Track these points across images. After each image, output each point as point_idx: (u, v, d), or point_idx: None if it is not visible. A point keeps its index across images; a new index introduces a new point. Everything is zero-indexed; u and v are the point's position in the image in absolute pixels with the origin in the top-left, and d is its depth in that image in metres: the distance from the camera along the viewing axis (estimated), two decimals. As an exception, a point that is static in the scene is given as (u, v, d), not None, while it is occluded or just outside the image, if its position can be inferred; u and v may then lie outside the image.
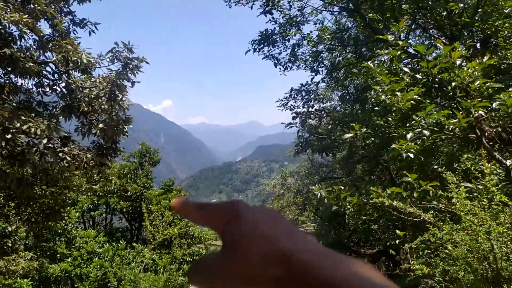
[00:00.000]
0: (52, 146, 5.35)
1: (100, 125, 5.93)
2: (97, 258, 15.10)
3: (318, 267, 0.33)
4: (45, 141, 5.00)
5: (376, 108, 6.76)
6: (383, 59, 9.25)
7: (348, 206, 5.30)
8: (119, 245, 15.76)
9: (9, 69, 5.24)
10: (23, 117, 4.82)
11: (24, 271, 10.44)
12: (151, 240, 15.73)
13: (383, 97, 5.57)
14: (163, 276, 13.73)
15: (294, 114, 9.85)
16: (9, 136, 4.59)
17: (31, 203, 8.05)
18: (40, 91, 6.74)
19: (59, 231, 15.09)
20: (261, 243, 0.37)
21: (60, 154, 5.23)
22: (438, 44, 5.98)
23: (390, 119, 6.23)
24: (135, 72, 5.60)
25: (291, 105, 10.59)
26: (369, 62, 6.00)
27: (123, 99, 5.67)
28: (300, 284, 0.33)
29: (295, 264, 0.34)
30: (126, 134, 6.28)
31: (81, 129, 6.61)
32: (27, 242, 13.30)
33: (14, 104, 5.97)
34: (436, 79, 5.32)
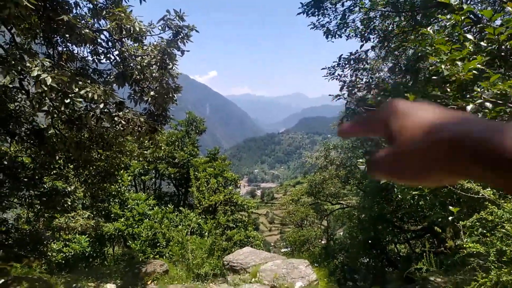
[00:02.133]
0: (108, 111, 5.60)
1: (152, 93, 6.10)
2: (147, 219, 15.98)
3: (482, 139, 0.34)
4: (101, 106, 5.23)
5: (434, 77, 6.36)
6: (442, 25, 8.61)
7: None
8: (167, 208, 16.56)
9: (67, 35, 5.46)
10: (80, 83, 5.05)
11: (82, 228, 11.32)
12: (197, 205, 16.34)
13: (442, 66, 5.23)
14: (208, 239, 14.35)
15: (341, 84, 9.53)
16: (68, 100, 4.85)
17: (88, 165, 8.58)
18: (95, 59, 7.01)
19: (113, 192, 16.06)
20: (424, 131, 0.39)
21: (116, 119, 5.47)
22: (509, 8, 5.43)
23: (448, 89, 5.86)
24: (185, 40, 5.65)
25: (339, 74, 10.22)
26: (428, 29, 5.60)
27: (173, 67, 5.77)
28: (471, 155, 0.35)
29: (464, 141, 0.35)
30: (176, 102, 6.43)
31: (133, 96, 6.84)
32: (84, 202, 14.31)
33: (72, 71, 6.26)
34: (503, 47, 4.88)
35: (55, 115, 6.70)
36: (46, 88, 4.39)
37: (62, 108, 4.89)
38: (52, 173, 8.55)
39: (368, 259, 21.33)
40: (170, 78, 5.91)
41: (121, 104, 5.97)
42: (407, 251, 20.02)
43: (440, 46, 4.97)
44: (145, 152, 8.75)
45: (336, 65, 10.18)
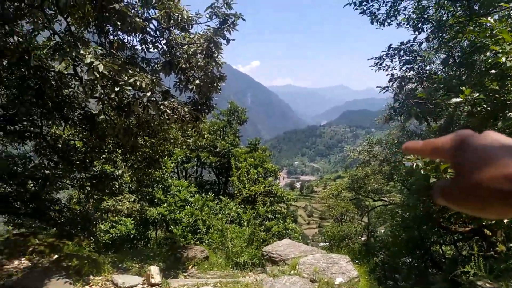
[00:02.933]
0: (154, 99, 5.73)
1: (197, 81, 6.16)
2: (188, 206, 16.39)
3: None
4: (148, 94, 5.36)
5: (493, 71, 5.91)
6: (505, 14, 7.95)
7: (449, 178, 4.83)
8: (208, 196, 16.89)
9: (118, 24, 5.62)
10: (130, 71, 5.20)
11: (128, 211, 11.88)
12: (237, 194, 16.51)
13: (503, 58, 4.84)
14: (247, 229, 14.50)
15: (390, 76, 9.13)
16: (118, 88, 5.00)
17: (135, 151, 8.90)
18: (144, 48, 7.19)
19: (157, 178, 16.61)
20: (490, 166, 0.40)
21: (161, 107, 5.59)
22: None
23: (508, 83, 5.43)
24: (230, 29, 5.64)
25: (387, 65, 9.78)
26: (488, 18, 5.20)
27: (218, 56, 5.79)
28: None
29: None
30: (220, 91, 6.46)
31: (179, 85, 6.96)
32: (130, 186, 14.93)
33: (122, 59, 6.46)
34: None
35: (106, 102, 6.99)
36: (98, 75, 4.56)
37: (112, 95, 5.06)
38: (101, 157, 8.96)
39: (410, 259, 20.64)
40: (215, 67, 5.93)
41: (167, 93, 6.09)
42: (453, 253, 19.09)
43: (503, 35, 4.58)
44: (188, 140, 8.93)
45: (384, 55, 9.76)
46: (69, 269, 5.47)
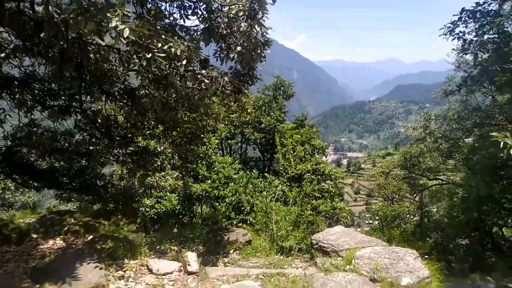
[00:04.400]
0: (191, 68, 5.15)
1: (238, 48, 5.48)
2: (232, 183, 16.11)
3: None
4: (184, 62, 4.77)
5: None
6: None
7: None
8: (252, 173, 16.46)
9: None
10: (163, 37, 4.61)
11: (171, 187, 11.72)
12: (283, 173, 15.90)
13: None
14: (294, 208, 13.98)
15: (461, 43, 7.85)
16: (149, 55, 4.44)
17: (176, 127, 8.50)
18: (183, 14, 6.58)
19: (200, 155, 16.42)
20: None
21: (199, 76, 5.00)
22: None
23: None
24: (276, -16, 4.84)
25: (460, 32, 8.39)
26: None
27: (263, 17, 5.03)
28: None
29: None
30: (264, 59, 5.74)
31: (219, 54, 6.31)
32: (174, 162, 14.82)
33: (157, 26, 5.90)
34: None
35: (144, 75, 6.54)
36: (123, 41, 4.01)
37: (144, 63, 4.52)
38: (143, 132, 8.67)
39: (467, 241, 19.57)
40: (259, 30, 5.18)
41: (206, 61, 5.48)
42: (516, 236, 17.65)
43: None
44: (231, 115, 8.35)
45: (457, 20, 8.36)
46: (102, 252, 5.23)
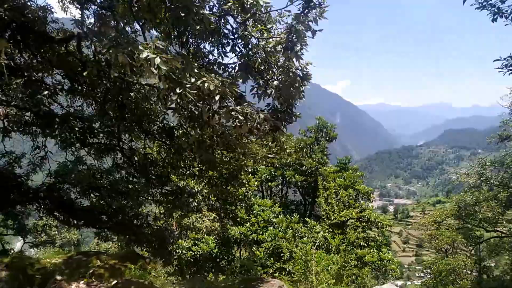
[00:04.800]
0: (225, 105, 4.91)
1: (275, 83, 5.20)
2: (271, 227, 15.44)
3: None
4: (217, 97, 4.52)
5: None
6: None
7: None
8: (293, 218, 15.72)
9: (188, 23, 4.95)
10: (196, 71, 4.43)
11: (207, 230, 11.33)
12: (325, 218, 15.03)
13: None
14: (337, 257, 12.97)
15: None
16: (180, 90, 4.24)
17: (212, 167, 8.24)
18: (221, 52, 6.50)
19: (240, 196, 16.07)
20: None
21: (232, 113, 4.71)
22: None
23: None
24: (316, 16, 4.57)
25: (520, 66, 7.65)
26: None
27: (302, 49, 4.74)
28: None
29: None
30: (303, 94, 5.39)
31: (256, 91, 6.07)
32: (213, 203, 14.54)
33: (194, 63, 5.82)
34: None
35: (180, 112, 6.42)
36: (155, 71, 3.83)
37: (174, 98, 4.32)
38: (179, 172, 8.50)
39: None
40: (297, 64, 4.87)
41: (241, 98, 5.23)
42: None
43: None
44: (269, 155, 7.98)
45: (517, 53, 7.64)
46: (124, 300, 4.85)
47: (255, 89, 5.85)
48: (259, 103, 6.18)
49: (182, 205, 8.71)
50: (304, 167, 18.66)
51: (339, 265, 7.65)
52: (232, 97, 5.24)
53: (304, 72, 5.10)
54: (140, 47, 3.93)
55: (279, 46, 4.86)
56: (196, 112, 6.07)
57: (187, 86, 4.40)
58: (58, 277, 5.37)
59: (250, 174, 17.21)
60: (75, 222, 10.76)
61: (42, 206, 10.20)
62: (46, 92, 6.54)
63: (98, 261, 6.02)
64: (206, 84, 4.62)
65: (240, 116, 4.70)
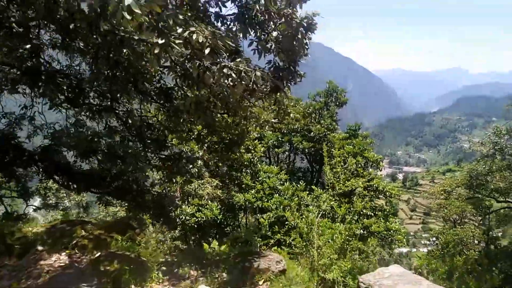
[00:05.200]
0: (220, 61, 4.28)
1: (274, 33, 4.53)
2: (277, 194, 15.12)
3: None
4: (207, 51, 3.89)
5: None
6: None
7: None
8: (299, 185, 15.33)
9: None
10: (181, 17, 3.78)
11: (209, 196, 10.97)
12: (330, 189, 14.60)
13: None
14: (342, 226, 12.63)
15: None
16: (163, 41, 3.62)
17: (212, 131, 7.71)
18: (218, 1, 5.75)
19: (245, 162, 15.66)
20: None
21: (225, 70, 4.09)
22: None
23: None
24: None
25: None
26: None
27: (306, -5, 4.02)
28: None
29: None
30: (307, 48, 4.71)
31: (257, 46, 5.37)
32: (217, 169, 14.14)
33: (188, 14, 5.11)
34: None
35: (175, 70, 5.81)
36: (128, 17, 3.19)
37: (156, 51, 3.71)
38: (177, 136, 7.99)
39: None
40: (300, 10, 4.15)
41: (237, 53, 4.57)
42: None
43: None
44: (273, 120, 7.38)
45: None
46: (105, 275, 4.46)
47: (255, 43, 5.16)
48: (260, 60, 5.52)
49: (181, 171, 8.26)
50: (312, 133, 17.99)
51: (343, 238, 7.22)
52: (227, 52, 4.60)
53: (309, 22, 4.39)
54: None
55: (280, -11, 4.13)
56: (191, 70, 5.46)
57: (174, 36, 3.78)
58: (39, 248, 5.04)
59: (257, 140, 16.69)
60: (75, 186, 10.50)
61: (41, 169, 9.90)
62: (28, 46, 5.93)
63: (82, 231, 5.66)
64: (194, 36, 3.98)
65: (233, 74, 4.08)
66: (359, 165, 15.65)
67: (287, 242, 8.05)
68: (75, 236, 5.46)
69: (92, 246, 5.26)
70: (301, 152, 19.56)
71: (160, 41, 3.69)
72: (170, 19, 3.69)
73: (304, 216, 11.78)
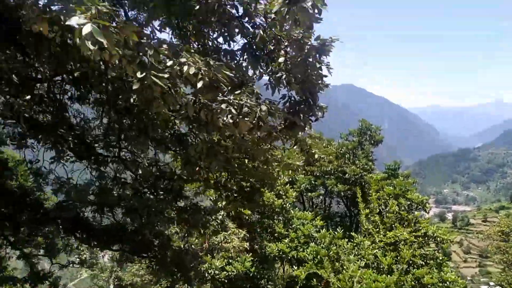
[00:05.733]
0: (220, 96, 3.60)
1: (281, 59, 3.82)
2: (313, 243, 13.93)
3: None
4: (199, 84, 3.23)
5: None
6: None
7: None
8: (336, 232, 14.02)
9: None
10: (165, 46, 3.18)
11: (235, 251, 10.00)
12: (366, 241, 13.23)
13: None
14: (387, 278, 11.14)
15: None
16: (142, 75, 3.00)
17: (230, 178, 6.96)
18: (226, 36, 5.20)
19: (276, 209, 14.69)
20: None
21: (223, 106, 3.40)
22: None
23: None
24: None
25: None
26: None
27: (316, 9, 3.29)
28: None
29: None
30: (324, 76, 3.93)
31: (270, 81, 4.69)
32: (245, 218, 13.22)
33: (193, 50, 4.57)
34: None
35: (181, 113, 5.23)
36: (91, 47, 2.59)
37: (135, 87, 3.09)
38: (192, 185, 7.30)
39: None
40: (308, 20, 3.41)
41: (240, 85, 3.87)
42: None
43: None
44: (298, 163, 6.52)
45: None
46: None
47: (265, 76, 4.48)
48: (273, 95, 4.81)
49: (197, 224, 7.47)
50: (347, 174, 16.82)
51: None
52: (230, 85, 3.92)
53: (323, 43, 3.63)
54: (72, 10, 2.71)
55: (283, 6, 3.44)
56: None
57: (153, 69, 3.15)
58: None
59: (288, 184, 15.80)
60: (95, 243, 10.01)
61: (60, 226, 9.50)
62: (28, 97, 5.61)
63: None
64: (185, 68, 3.35)
65: (233, 110, 3.36)
66: (402, 208, 14.17)
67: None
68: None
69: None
70: (336, 195, 18.32)
71: (139, 75, 3.07)
72: (151, 50, 3.09)
73: (344, 267, 10.44)
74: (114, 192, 7.75)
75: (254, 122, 3.44)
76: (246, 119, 3.41)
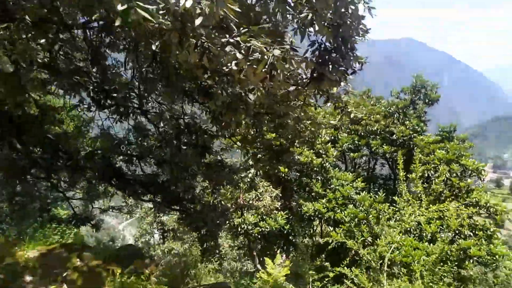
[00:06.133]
0: (222, 36, 2.94)
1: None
2: (352, 205, 13.29)
3: None
4: (198, 21, 2.58)
5: None
6: None
7: None
8: (377, 196, 13.21)
9: None
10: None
11: (265, 209, 9.66)
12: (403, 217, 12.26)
13: None
14: (430, 247, 10.37)
15: None
16: (124, 6, 2.40)
17: (257, 136, 6.40)
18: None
19: (315, 168, 14.07)
20: None
21: (227, 48, 2.74)
22: None
23: None
24: None
25: None
26: None
27: None
28: None
29: None
30: (363, 17, 3.07)
31: (300, 24, 3.89)
32: (283, 176, 12.80)
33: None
34: None
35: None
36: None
37: (117, 23, 2.50)
38: (216, 140, 6.85)
39: None
40: None
41: (254, 26, 3.15)
42: None
43: None
44: (332, 121, 5.77)
45: None
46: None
47: (290, 17, 3.68)
48: (302, 41, 4.03)
49: (222, 181, 7.10)
50: (394, 135, 15.55)
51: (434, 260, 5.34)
52: (241, 25, 3.21)
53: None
54: None
55: None
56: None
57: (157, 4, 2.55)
58: (27, 278, 4.22)
59: (329, 143, 14.97)
60: (130, 191, 10.17)
61: (96, 173, 9.68)
62: (42, 41, 5.25)
63: (78, 260, 4.73)
64: (181, 1, 2.70)
65: (238, 54, 2.70)
66: (454, 175, 12.96)
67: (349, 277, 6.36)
68: (69, 266, 4.58)
69: (83, 282, 4.30)
70: (381, 157, 17.15)
71: (120, 7, 2.48)
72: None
73: (383, 232, 9.82)
74: (145, 143, 7.57)
75: (265, 70, 2.76)
76: (253, 66, 2.73)
